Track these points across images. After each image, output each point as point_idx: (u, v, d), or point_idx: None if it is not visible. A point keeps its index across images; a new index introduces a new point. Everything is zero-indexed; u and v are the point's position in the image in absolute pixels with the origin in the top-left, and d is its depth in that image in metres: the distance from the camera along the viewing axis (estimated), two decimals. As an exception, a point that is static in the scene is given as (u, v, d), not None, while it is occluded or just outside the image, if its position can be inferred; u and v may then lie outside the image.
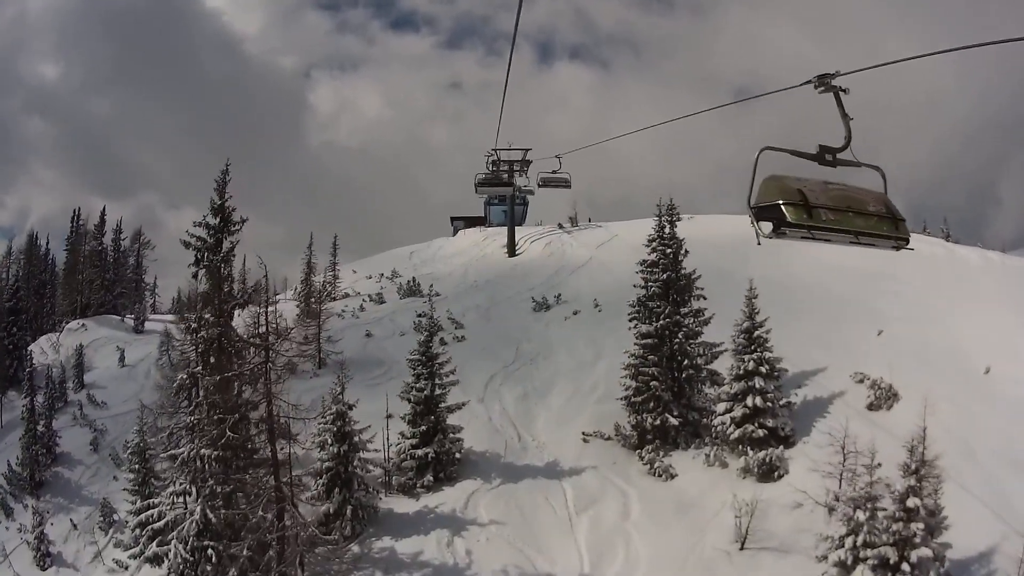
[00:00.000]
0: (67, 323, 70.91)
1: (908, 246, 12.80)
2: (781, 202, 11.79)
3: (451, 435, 35.74)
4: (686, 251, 39.39)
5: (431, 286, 61.13)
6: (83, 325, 67.96)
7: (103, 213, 78.38)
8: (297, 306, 59.21)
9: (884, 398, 35.57)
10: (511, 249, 69.70)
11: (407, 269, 72.35)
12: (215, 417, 29.69)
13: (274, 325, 31.23)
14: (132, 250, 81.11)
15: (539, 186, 64.87)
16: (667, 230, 39.31)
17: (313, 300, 58.47)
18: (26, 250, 79.01)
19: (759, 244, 12.61)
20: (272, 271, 70.51)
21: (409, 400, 36.01)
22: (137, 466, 37.08)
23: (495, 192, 71.97)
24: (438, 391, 36.07)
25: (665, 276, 38.46)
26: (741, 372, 35.00)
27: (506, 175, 68.71)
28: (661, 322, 37.73)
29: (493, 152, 67.63)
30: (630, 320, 39.43)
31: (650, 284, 38.96)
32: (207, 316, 31.65)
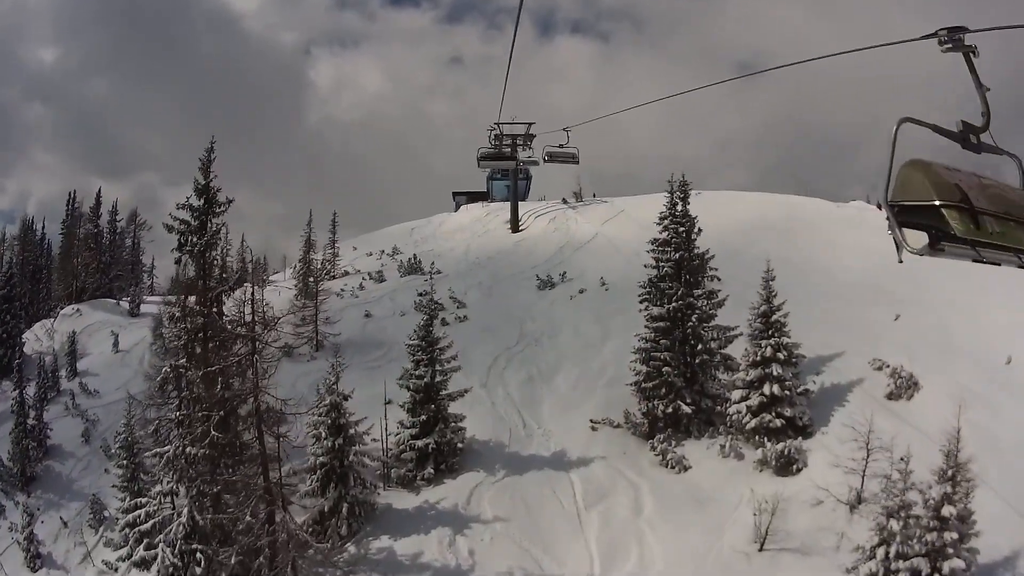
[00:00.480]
0: (61, 308, 68.72)
1: None
2: (939, 203, 8.05)
3: (453, 424, 33.77)
4: (699, 230, 37.37)
5: (432, 263, 58.96)
6: (78, 310, 65.53)
7: (98, 195, 76.08)
8: (295, 285, 57.25)
9: (904, 387, 33.67)
10: (514, 225, 67.48)
11: (408, 246, 70.10)
12: (200, 413, 27.67)
13: (262, 313, 28.67)
14: (128, 231, 78.90)
15: (545, 160, 63.90)
16: (679, 207, 37.30)
17: (311, 279, 56.48)
18: (20, 235, 76.69)
19: (900, 261, 8.71)
20: (274, 247, 69.03)
21: (408, 388, 33.89)
22: (125, 461, 34.98)
23: (497, 166, 70.76)
24: (439, 378, 33.97)
25: (677, 256, 36.48)
26: (758, 358, 33.16)
27: (509, 149, 66.88)
28: (673, 304, 35.75)
29: (496, 126, 65.85)
30: (640, 301, 37.47)
31: (661, 264, 36.96)
32: (192, 305, 29.29)
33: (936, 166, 8.32)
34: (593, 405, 37.45)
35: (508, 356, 42.89)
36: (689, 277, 36.57)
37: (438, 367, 34.01)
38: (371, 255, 69.45)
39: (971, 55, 8.49)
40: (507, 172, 72.93)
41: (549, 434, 35.98)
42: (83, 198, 78.34)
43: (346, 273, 63.57)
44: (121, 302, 66.35)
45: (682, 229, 36.70)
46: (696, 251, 36.89)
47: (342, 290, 56.70)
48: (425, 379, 33.43)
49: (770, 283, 33.92)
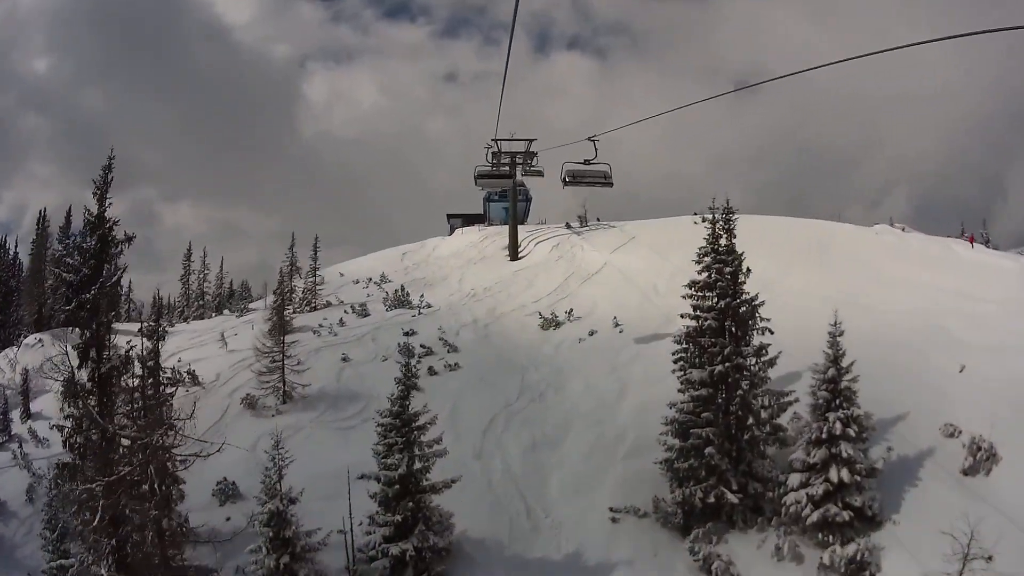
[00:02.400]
0: (25, 337, 60.39)
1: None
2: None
3: (437, 523, 25.14)
4: (748, 270, 29.08)
5: (421, 297, 50.91)
6: (40, 340, 57.22)
7: (68, 213, 67.29)
8: (268, 319, 49.05)
9: (983, 460, 25.88)
10: (513, 252, 59.39)
11: (398, 272, 62.32)
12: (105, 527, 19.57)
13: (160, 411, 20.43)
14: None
15: (567, 182, 48.50)
16: (723, 241, 29.01)
17: (283, 316, 48.39)
18: (-11, 253, 68.46)
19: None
20: (270, 267, 60.58)
21: (378, 480, 25.08)
22: (51, 547, 26.68)
23: (496, 185, 63.70)
24: (418, 465, 25.19)
25: (722, 304, 28.13)
26: (823, 435, 25.13)
27: (507, 167, 59.23)
28: (718, 366, 27.40)
29: (493, 143, 58.48)
30: (675, 361, 29.20)
31: (702, 315, 28.60)
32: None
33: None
34: (612, 484, 29.34)
35: (507, 415, 34.70)
36: (736, 330, 28.32)
37: (417, 451, 25.22)
38: (357, 283, 61.69)
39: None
40: (505, 193, 66.91)
41: (559, 526, 27.72)
42: (52, 216, 70.51)
43: (328, 304, 55.48)
44: (87, 331, 57.72)
45: (728, 270, 28.49)
46: (744, 296, 28.59)
47: (320, 326, 48.50)
48: (400, 469, 24.63)
49: (837, 340, 25.81)
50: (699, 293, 29.03)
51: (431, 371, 38.55)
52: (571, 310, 44.09)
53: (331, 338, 45.94)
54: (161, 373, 30.94)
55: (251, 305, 63.84)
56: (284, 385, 38.05)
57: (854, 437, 25.09)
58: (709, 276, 28.80)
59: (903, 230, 53.83)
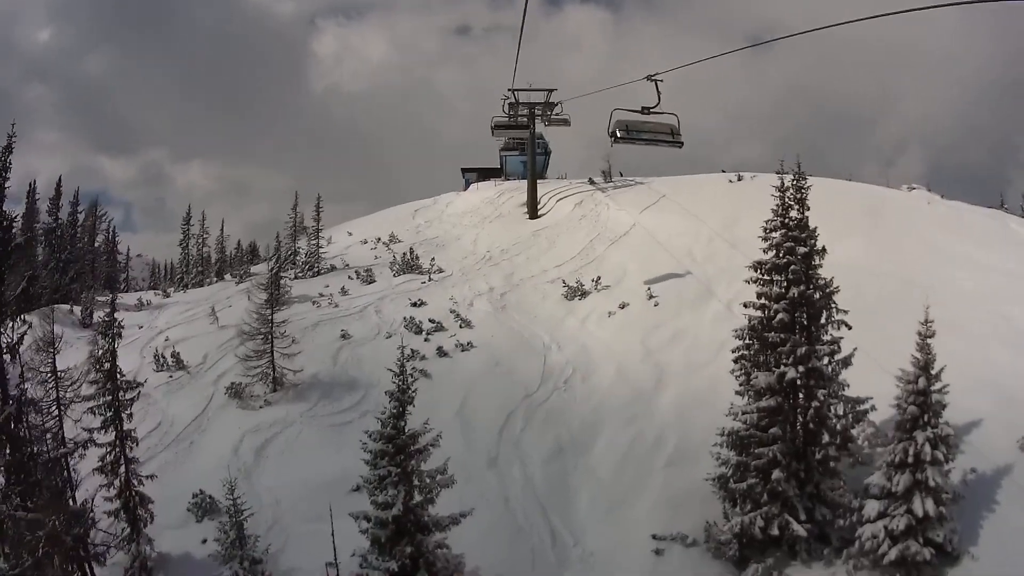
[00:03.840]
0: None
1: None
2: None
3: (442, 568, 19.58)
4: (823, 248, 23.29)
5: (432, 261, 45.44)
6: (29, 324, 51.73)
7: (59, 184, 61.06)
8: (263, 289, 43.65)
9: None
10: (532, 210, 53.61)
11: (408, 231, 56.63)
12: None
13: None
14: (87, 225, 64.29)
15: (617, 139, 49.07)
16: (793, 213, 23.20)
17: (280, 284, 43.03)
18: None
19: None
20: (280, 223, 55.22)
21: (368, 519, 19.38)
22: None
23: (514, 136, 59.98)
24: (418, 497, 19.54)
25: (795, 292, 22.42)
26: (908, 458, 19.74)
27: (526, 119, 53.68)
28: (790, 369, 21.80)
29: (511, 93, 52.77)
30: (735, 360, 23.63)
31: (769, 303, 22.90)
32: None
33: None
34: (651, 501, 24.30)
35: (527, 409, 29.40)
36: (811, 326, 22.72)
37: (416, 481, 19.55)
38: (366, 243, 56.04)
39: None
40: (523, 146, 61.74)
41: (591, 559, 22.51)
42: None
43: (332, 269, 49.99)
44: (75, 309, 52.35)
45: (802, 250, 22.72)
46: (819, 281, 22.88)
47: (320, 295, 43.07)
48: (395, 508, 18.86)
49: (928, 342, 20.23)
50: (766, 277, 23.25)
51: (440, 352, 33.23)
52: (598, 278, 38.54)
53: (331, 310, 40.52)
54: (119, 377, 25.76)
55: (253, 269, 58.45)
56: (274, 371, 32.71)
57: (941, 461, 19.66)
58: (779, 256, 23.07)
59: (942, 197, 47.31)
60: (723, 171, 55.88)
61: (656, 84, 26.33)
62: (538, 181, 56.15)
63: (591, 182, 57.62)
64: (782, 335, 22.56)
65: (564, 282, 38.85)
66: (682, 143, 29.20)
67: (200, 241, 63.21)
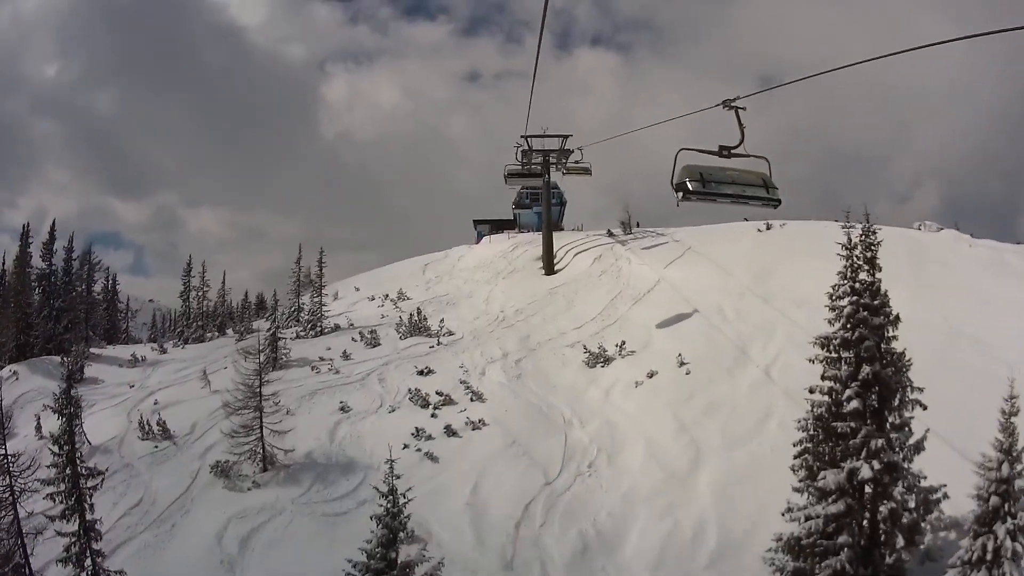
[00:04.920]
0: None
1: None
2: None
3: None
4: (897, 316, 19.45)
5: (441, 322, 41.67)
6: (14, 373, 48.05)
7: (52, 227, 57.44)
8: (251, 357, 40.00)
9: None
10: (548, 264, 50.02)
11: (418, 287, 53.25)
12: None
13: None
14: (83, 273, 60.66)
15: (686, 196, 45.75)
16: (863, 275, 19.42)
17: (277, 347, 39.42)
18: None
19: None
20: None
21: None
22: None
23: (528, 185, 57.60)
24: None
25: (868, 372, 18.56)
26: (986, 555, 15.96)
27: (539, 166, 50.26)
28: (863, 466, 17.89)
29: (524, 140, 49.22)
30: (797, 455, 19.61)
31: (837, 389, 19.00)
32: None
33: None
34: (697, 615, 20.10)
35: (548, 499, 25.48)
36: (883, 409, 18.86)
37: None
38: (373, 299, 52.58)
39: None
40: (536, 196, 59.39)
41: None
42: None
43: (335, 328, 46.39)
44: (65, 361, 48.67)
45: (876, 320, 18.90)
46: (893, 353, 19.09)
47: (321, 359, 39.45)
48: None
49: (1012, 421, 16.34)
50: (834, 355, 19.39)
51: (449, 431, 29.40)
52: (623, 343, 34.65)
53: (331, 377, 36.84)
54: (79, 463, 22.50)
55: (256, 324, 54.90)
56: (263, 450, 28.96)
57: (1022, 555, 15.79)
58: (849, 329, 19.14)
59: (972, 236, 43.20)
60: (746, 219, 52.29)
61: (737, 113, 16.97)
62: (554, 233, 52.62)
63: (610, 234, 53.99)
64: (852, 424, 18.69)
65: (585, 347, 35.01)
66: (779, 200, 18.18)
67: (201, 294, 59.78)
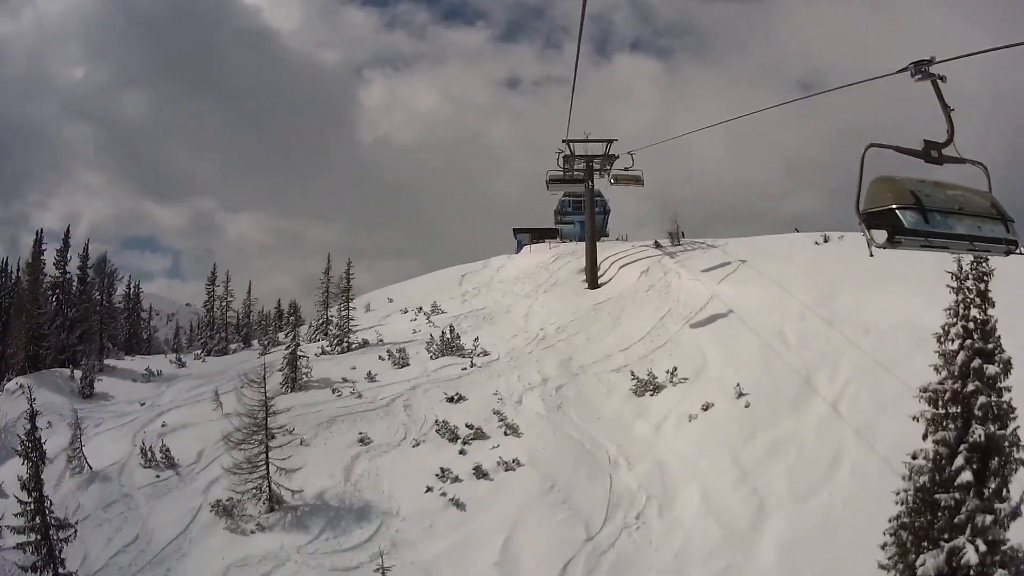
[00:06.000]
0: (7, 381, 48.60)
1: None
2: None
3: None
4: (1008, 361, 15.62)
5: (476, 341, 38.08)
6: (21, 386, 45.10)
7: (67, 234, 54.73)
8: (282, 369, 36.90)
9: None
10: (592, 278, 46.30)
11: (454, 300, 49.83)
12: None
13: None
14: (97, 281, 57.72)
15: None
16: (974, 311, 15.70)
17: (297, 370, 36.18)
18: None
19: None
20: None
21: None
22: None
23: (570, 191, 53.94)
24: None
25: (981, 434, 14.83)
26: None
27: (582, 173, 46.68)
28: (968, 549, 14.24)
29: (565, 144, 45.63)
30: (892, 532, 15.94)
31: (942, 453, 15.31)
32: None
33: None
34: None
35: (590, 558, 21.93)
36: (985, 472, 15.18)
37: None
38: (406, 312, 49.27)
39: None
40: (579, 204, 56.02)
41: None
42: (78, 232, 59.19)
43: (363, 344, 43.12)
44: (75, 374, 45.76)
45: (991, 369, 15.12)
46: (1003, 406, 15.29)
47: (344, 380, 36.19)
48: None
49: None
50: (941, 415, 15.61)
51: (479, 472, 25.86)
52: (674, 369, 30.83)
53: (353, 402, 33.52)
54: (48, 514, 19.60)
55: (283, 336, 51.89)
56: (269, 488, 25.69)
57: None
58: (959, 380, 15.37)
59: None
60: (796, 230, 48.35)
61: (936, 85, 11.02)
62: (597, 244, 48.96)
63: (657, 245, 50.09)
64: (957, 495, 14.96)
65: (632, 373, 31.32)
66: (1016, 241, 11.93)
67: (224, 304, 56.91)
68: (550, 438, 27.99)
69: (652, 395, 30.19)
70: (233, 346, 55.81)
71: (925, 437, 15.88)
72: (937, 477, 15.51)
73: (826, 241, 42.22)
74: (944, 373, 15.72)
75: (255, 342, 57.25)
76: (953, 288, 15.95)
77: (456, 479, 25.60)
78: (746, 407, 27.49)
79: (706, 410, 27.98)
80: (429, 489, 25.10)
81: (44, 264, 53.34)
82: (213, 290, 57.01)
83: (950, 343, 15.69)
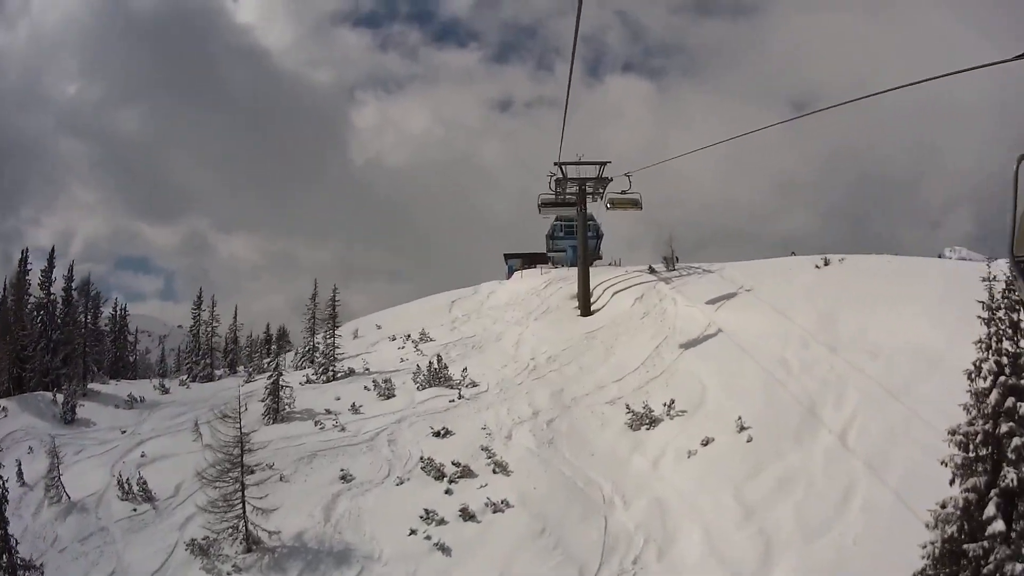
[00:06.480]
0: (-9, 403, 47.12)
1: None
2: None
3: None
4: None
5: (464, 371, 36.55)
6: (3, 409, 43.55)
7: (51, 255, 53.08)
8: (264, 400, 35.50)
9: None
10: (585, 305, 44.86)
11: (443, 327, 48.47)
12: None
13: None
14: (81, 304, 56.21)
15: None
16: (1006, 344, 14.33)
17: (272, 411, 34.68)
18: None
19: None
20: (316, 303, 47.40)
21: None
22: None
23: (563, 214, 52.06)
24: None
25: (1013, 479, 13.45)
26: None
27: (575, 196, 45.15)
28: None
29: (557, 167, 43.99)
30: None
31: (971, 500, 13.87)
32: None
33: None
34: None
35: (583, 610, 20.21)
36: (1012, 513, 13.70)
37: None
38: (394, 339, 47.82)
39: None
40: (571, 229, 54.26)
41: None
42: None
43: (349, 373, 41.63)
44: (57, 398, 44.18)
45: None
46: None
47: (327, 411, 34.69)
48: None
49: None
50: (971, 454, 14.14)
51: (465, 514, 24.18)
52: (672, 401, 29.28)
53: (335, 435, 32.00)
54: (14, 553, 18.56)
55: (268, 362, 50.38)
56: (246, 528, 24.11)
57: None
58: (990, 420, 13.92)
59: None
60: (793, 253, 47.11)
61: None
62: (590, 269, 47.54)
63: (651, 270, 48.73)
64: (986, 544, 13.51)
65: (628, 406, 29.78)
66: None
67: (210, 329, 55.45)
68: (541, 476, 26.39)
69: (648, 429, 28.64)
70: (219, 372, 54.47)
71: (952, 483, 14.42)
72: (966, 526, 14.06)
73: (826, 264, 40.78)
74: (974, 412, 14.27)
75: (241, 368, 55.96)
76: (984, 319, 14.50)
77: (442, 521, 24.00)
78: (748, 441, 25.94)
79: (706, 445, 26.40)
80: (413, 532, 23.55)
81: (29, 284, 51.85)
82: (199, 314, 55.62)
83: (981, 380, 14.23)
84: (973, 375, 14.41)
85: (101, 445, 35.73)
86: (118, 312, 63.82)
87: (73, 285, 54.13)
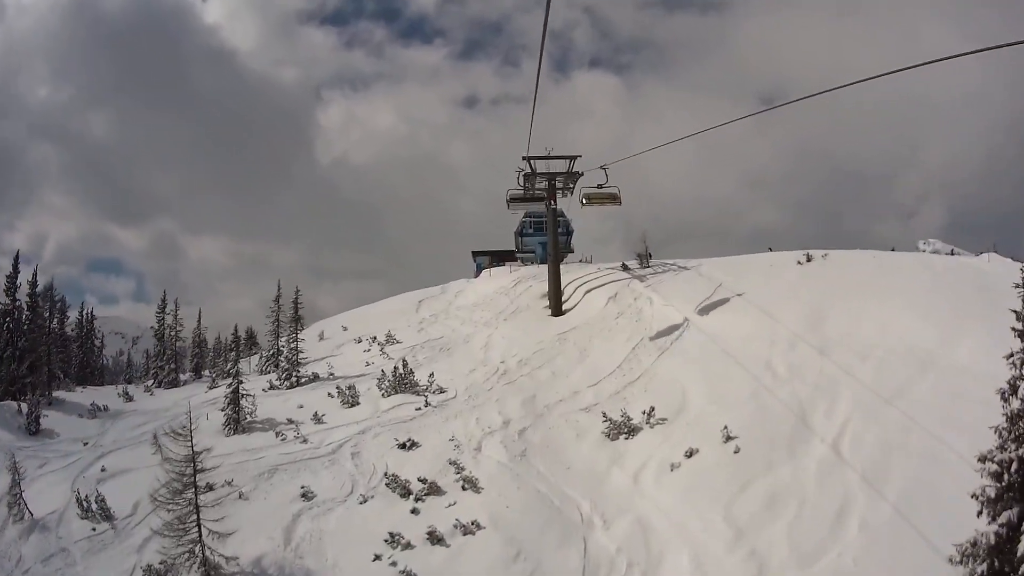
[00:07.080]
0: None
1: None
2: None
3: None
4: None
5: (431, 377, 34.69)
6: (-38, 418, 41.40)
7: (15, 260, 50.62)
8: (224, 409, 33.61)
9: None
10: (556, 305, 43.06)
11: (410, 328, 46.58)
12: None
13: None
14: (45, 309, 53.71)
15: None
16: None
17: (239, 414, 32.70)
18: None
19: None
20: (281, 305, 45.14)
21: None
22: None
23: (532, 210, 49.40)
24: None
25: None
26: None
27: (544, 192, 43.27)
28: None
29: (526, 162, 41.98)
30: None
31: (1003, 535, 12.19)
32: None
33: None
34: None
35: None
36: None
37: None
38: (360, 342, 45.93)
39: None
40: (540, 225, 53.48)
41: None
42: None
43: (314, 378, 39.71)
44: (22, 408, 41.95)
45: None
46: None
47: (289, 421, 32.71)
48: None
49: None
50: (1003, 484, 12.51)
51: (433, 538, 22.26)
52: (652, 409, 27.56)
53: (297, 448, 29.99)
54: None
55: (229, 368, 48.36)
56: (203, 553, 22.14)
57: None
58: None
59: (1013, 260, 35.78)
60: (770, 248, 45.55)
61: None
62: (561, 266, 45.76)
63: (625, 267, 46.96)
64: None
65: (604, 413, 27.98)
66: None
67: (173, 333, 53.32)
68: (514, 494, 24.50)
69: (627, 438, 26.86)
70: (184, 377, 52.44)
71: (980, 514, 12.76)
72: (996, 564, 12.41)
73: (809, 260, 39.10)
74: (1006, 435, 12.60)
75: (206, 372, 54.01)
76: (1018, 332, 12.80)
77: (408, 545, 22.08)
78: (736, 452, 24.21)
79: (690, 456, 24.65)
80: (377, 557, 21.65)
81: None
82: (164, 318, 53.43)
83: (1017, 401, 12.55)
84: (1008, 394, 12.73)
85: (64, 458, 33.56)
86: (84, 316, 61.64)
87: (37, 290, 51.80)
